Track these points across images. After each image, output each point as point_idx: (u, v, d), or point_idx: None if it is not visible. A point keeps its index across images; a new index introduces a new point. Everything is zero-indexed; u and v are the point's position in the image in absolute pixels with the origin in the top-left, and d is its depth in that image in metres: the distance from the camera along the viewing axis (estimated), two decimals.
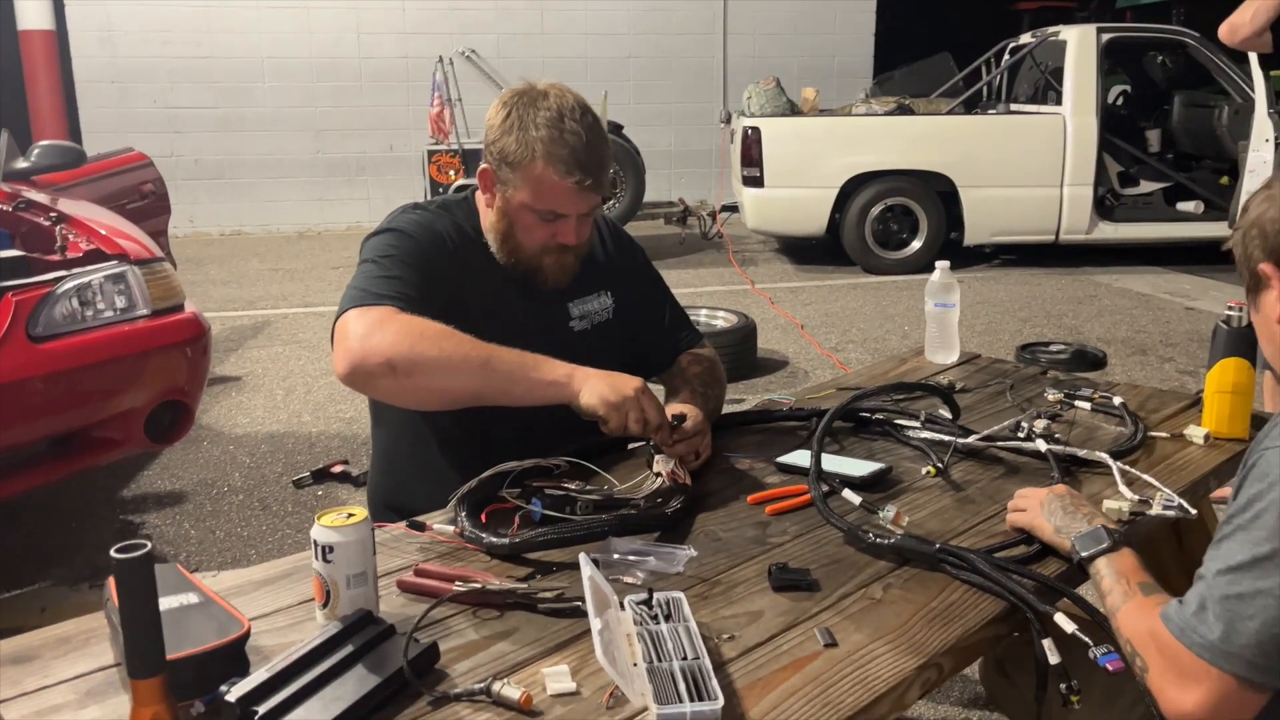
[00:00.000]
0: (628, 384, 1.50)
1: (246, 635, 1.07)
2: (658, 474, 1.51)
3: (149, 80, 9.19)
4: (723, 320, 5.15)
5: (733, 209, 8.24)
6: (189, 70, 9.27)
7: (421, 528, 1.39)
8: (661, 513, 1.40)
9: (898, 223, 7.35)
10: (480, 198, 1.71)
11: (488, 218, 1.68)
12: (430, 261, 1.60)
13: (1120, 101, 9.05)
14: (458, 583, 1.21)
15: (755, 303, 6.48)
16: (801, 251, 8.06)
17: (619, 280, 1.83)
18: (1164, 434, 1.71)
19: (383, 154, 9.81)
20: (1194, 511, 1.42)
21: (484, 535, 1.33)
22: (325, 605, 1.16)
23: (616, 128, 8.22)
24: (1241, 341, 1.63)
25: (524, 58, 9.81)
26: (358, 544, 1.15)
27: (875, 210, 7.26)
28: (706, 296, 6.57)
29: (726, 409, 1.86)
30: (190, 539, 3.28)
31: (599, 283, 1.80)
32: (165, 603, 1.10)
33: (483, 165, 1.65)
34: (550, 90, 1.61)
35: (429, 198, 7.62)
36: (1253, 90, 6.71)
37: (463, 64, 9.30)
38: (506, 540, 1.32)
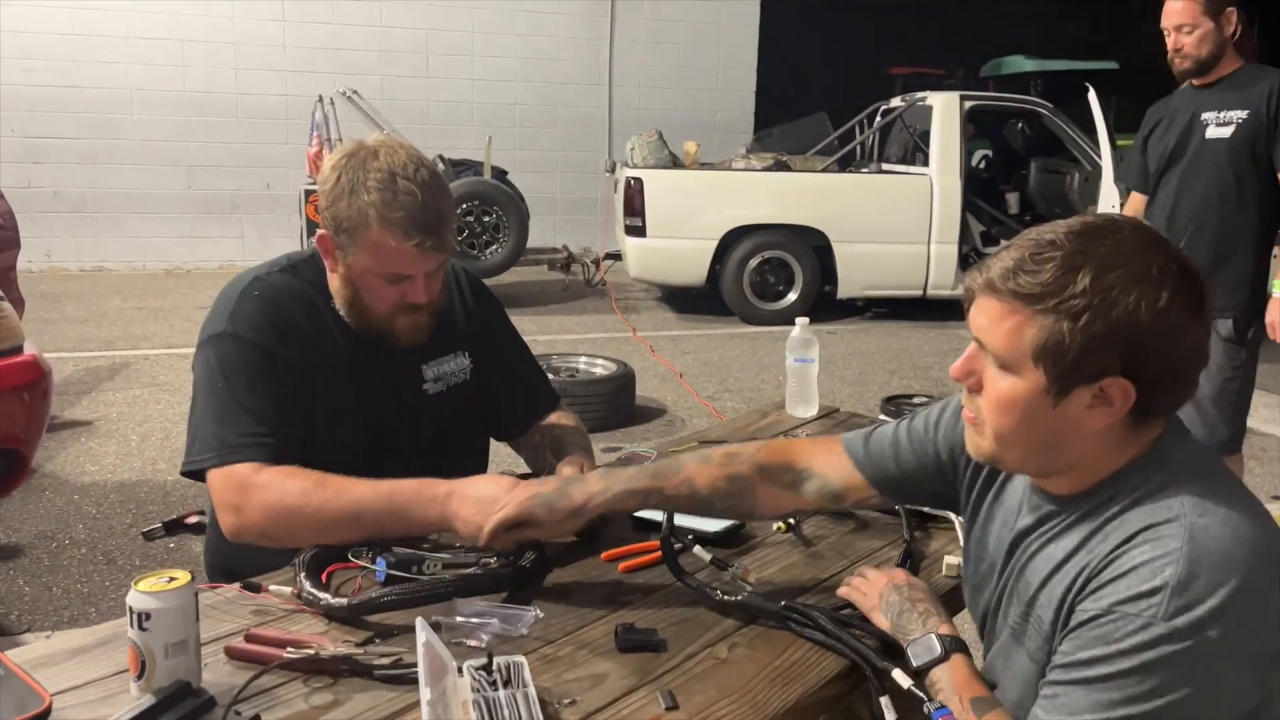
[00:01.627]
0: (494, 507, 1.40)
1: (47, 711, 1.00)
2: None
3: (8, 109, 8.74)
4: (602, 368, 5.16)
5: (616, 257, 8.32)
6: (52, 100, 8.85)
7: (256, 589, 1.33)
8: (508, 573, 1.37)
9: (774, 275, 7.54)
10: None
11: (333, 282, 1.62)
12: (280, 366, 1.55)
13: (983, 165, 9.56)
14: (289, 649, 1.16)
15: (636, 350, 6.52)
16: (683, 300, 8.18)
17: (478, 340, 1.79)
18: None
19: (259, 191, 9.55)
20: None
21: (323, 596, 1.28)
22: (140, 677, 1.09)
23: (501, 173, 8.22)
24: None
25: (408, 100, 9.75)
26: (177, 610, 1.09)
27: (753, 262, 7.44)
28: (589, 344, 6.58)
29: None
30: (24, 596, 3.06)
31: (456, 343, 1.75)
32: None
33: (320, 231, 1.58)
34: (380, 148, 1.54)
35: (302, 242, 7.45)
36: (1100, 159, 7.18)
37: (344, 104, 9.17)
38: (346, 602, 1.27)
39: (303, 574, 1.33)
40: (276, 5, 9.39)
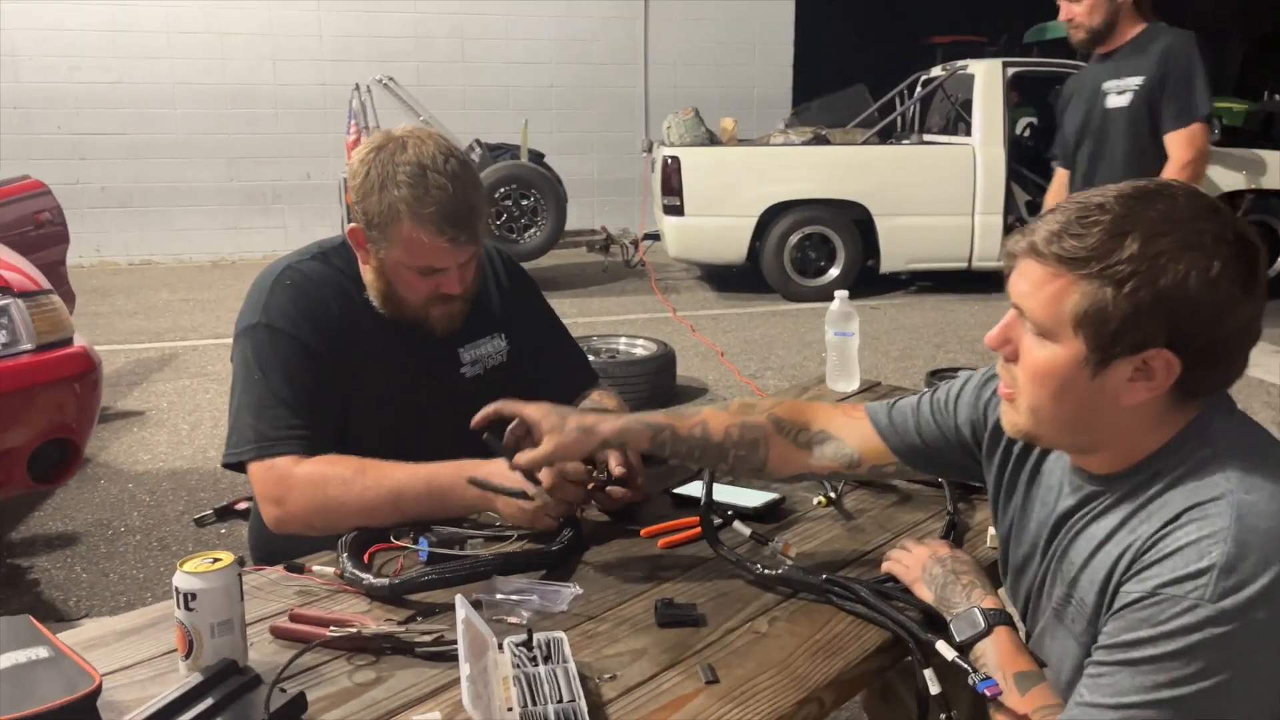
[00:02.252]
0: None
1: (97, 691, 1.02)
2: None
3: (54, 106, 8.90)
4: (642, 348, 5.16)
5: (655, 237, 8.29)
6: (96, 96, 9.00)
7: (300, 570, 1.35)
8: (547, 550, 1.37)
9: (816, 250, 7.46)
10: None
11: (366, 274, 1.62)
12: (315, 357, 1.56)
13: (1027, 133, 9.37)
14: (332, 627, 1.17)
15: (677, 330, 6.50)
16: (723, 279, 8.13)
17: (514, 322, 1.79)
18: None
19: (299, 181, 9.65)
20: None
21: (364, 577, 1.29)
22: (188, 656, 1.11)
23: (538, 156, 8.21)
24: None
25: (445, 86, 9.77)
26: (222, 590, 1.10)
27: (794, 238, 7.37)
28: (629, 324, 6.58)
29: None
30: (81, 583, 3.14)
31: (492, 325, 1.75)
32: (12, 658, 1.04)
33: (351, 224, 1.58)
34: (409, 139, 1.52)
35: (343, 230, 7.53)
36: None
37: (381, 92, 9.21)
38: (387, 582, 1.28)
39: (345, 554, 1.35)
40: None
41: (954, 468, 1.35)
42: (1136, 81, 2.93)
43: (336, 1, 9.52)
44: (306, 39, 9.48)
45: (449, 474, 1.47)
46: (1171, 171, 2.84)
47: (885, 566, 1.34)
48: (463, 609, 1.07)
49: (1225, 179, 7.21)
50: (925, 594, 1.24)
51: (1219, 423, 1.01)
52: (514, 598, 1.26)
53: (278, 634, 1.20)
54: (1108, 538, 1.02)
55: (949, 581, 1.22)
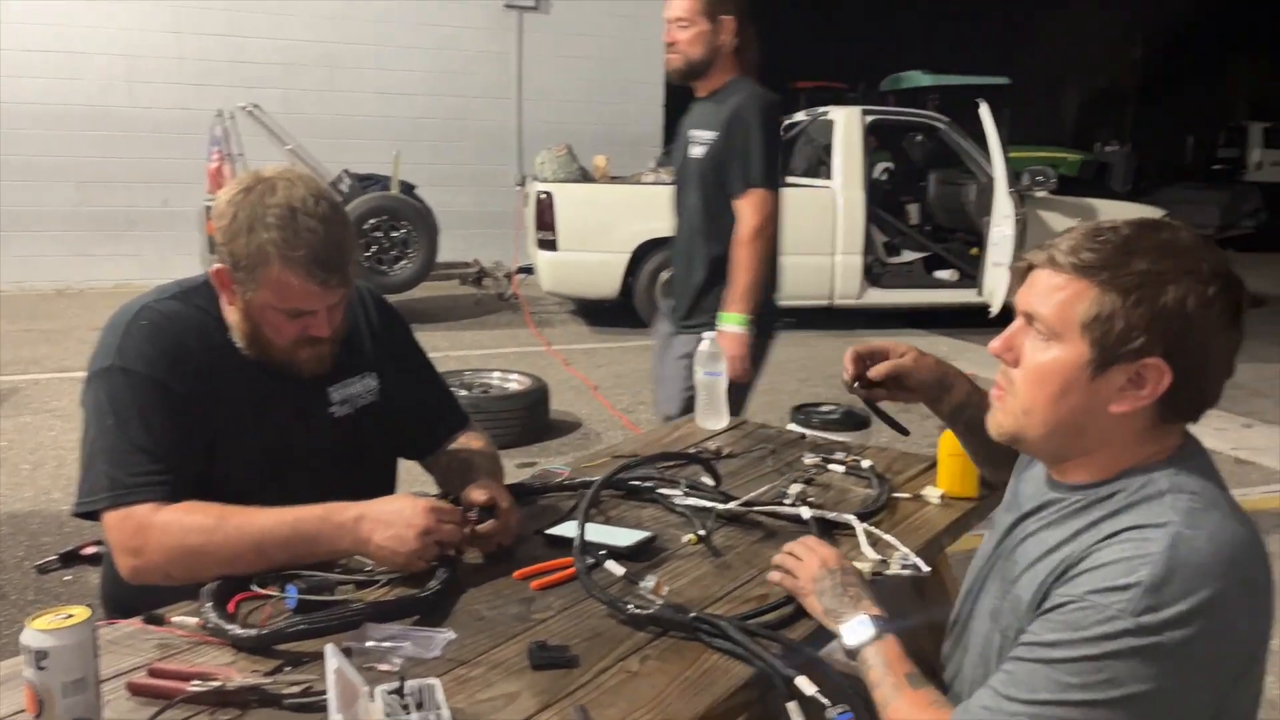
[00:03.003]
0: (407, 532, 1.42)
1: None
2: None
3: None
4: (515, 383, 5.15)
5: (528, 271, 8.30)
6: None
7: (159, 622, 1.30)
8: (420, 595, 1.37)
9: None
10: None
11: (230, 315, 1.58)
12: (174, 399, 1.51)
13: (885, 177, 9.82)
14: (194, 681, 1.14)
15: (550, 364, 6.51)
16: (596, 313, 8.19)
17: (385, 361, 1.77)
18: (906, 495, 1.84)
19: (156, 208, 9.25)
20: (927, 569, 1.53)
21: (229, 627, 1.26)
22: (39, 717, 1.06)
23: (409, 187, 8.13)
24: None
25: (313, 114, 9.56)
26: (75, 648, 1.06)
27: (665, 274, 7.49)
28: (502, 358, 6.55)
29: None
30: None
31: (363, 364, 1.73)
32: None
33: (216, 265, 1.54)
34: (279, 181, 1.50)
35: (204, 260, 7.21)
36: (993, 171, 7.45)
37: (246, 119, 8.95)
38: (254, 632, 1.25)
39: (209, 604, 1.31)
40: (170, 17, 9.14)
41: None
42: (709, 136, 2.76)
43: (198, 24, 9.23)
44: (165, 61, 9.15)
45: (315, 518, 1.44)
46: (740, 237, 2.69)
47: (773, 578, 1.42)
48: (333, 658, 1.06)
49: (1060, 225, 7.73)
50: (815, 605, 1.32)
51: (1186, 461, 1.09)
52: (386, 644, 1.25)
53: (136, 691, 1.16)
54: (1057, 545, 1.09)
55: (838, 593, 1.31)
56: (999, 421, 1.17)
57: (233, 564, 1.41)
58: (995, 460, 1.55)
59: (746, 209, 2.70)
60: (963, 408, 1.60)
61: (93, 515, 1.47)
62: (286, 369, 1.60)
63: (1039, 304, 1.10)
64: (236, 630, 1.25)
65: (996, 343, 1.15)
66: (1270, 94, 24.13)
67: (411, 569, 1.43)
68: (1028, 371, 1.12)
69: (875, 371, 1.60)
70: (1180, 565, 0.96)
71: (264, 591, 1.38)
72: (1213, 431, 5.22)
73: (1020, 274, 1.15)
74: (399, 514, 1.43)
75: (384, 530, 1.42)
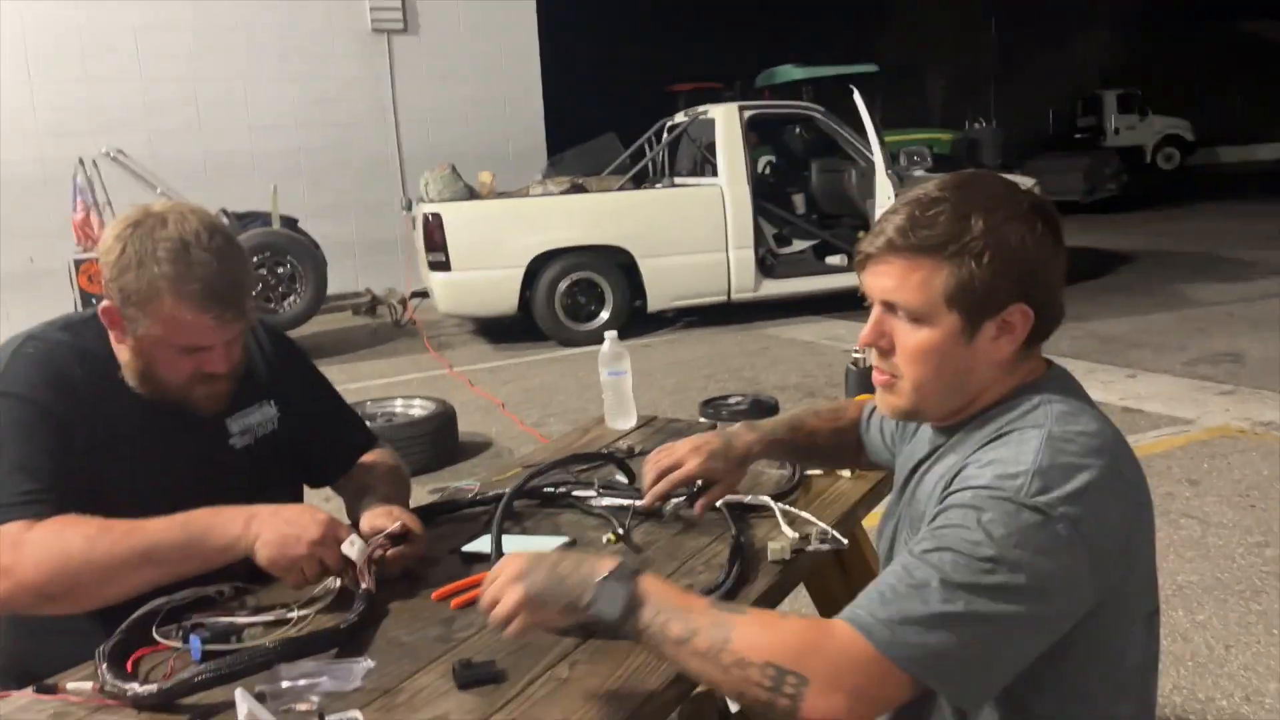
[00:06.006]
0: (301, 535, 1.38)
1: None
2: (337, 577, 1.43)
3: None
4: (419, 408, 5.05)
5: (423, 295, 8.18)
6: None
7: (53, 690, 1.22)
8: (334, 628, 1.31)
9: (585, 295, 7.61)
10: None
11: (121, 353, 1.52)
12: (57, 422, 1.43)
13: (768, 171, 10.00)
14: None
15: (455, 386, 6.42)
16: (497, 331, 8.12)
17: (282, 388, 1.72)
18: (818, 471, 1.85)
19: (21, 267, 8.80)
20: (845, 541, 1.54)
21: (129, 686, 1.18)
22: None
23: (291, 222, 7.93)
24: (868, 380, 1.80)
25: (181, 155, 9.26)
26: None
27: (563, 285, 7.48)
28: (405, 385, 6.43)
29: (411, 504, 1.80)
30: None
31: (259, 393, 1.68)
32: None
33: (104, 302, 1.48)
34: (169, 215, 1.46)
35: (76, 309, 6.90)
36: (872, 155, 7.65)
37: (110, 165, 8.60)
38: (156, 688, 1.18)
39: (105, 665, 1.23)
40: (20, 65, 8.72)
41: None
42: None
43: (49, 71, 8.83)
44: (19, 113, 8.73)
45: (205, 513, 1.40)
46: None
47: (505, 631, 1.14)
48: (244, 703, 1.01)
49: None
50: (551, 614, 1.11)
51: (1052, 382, 1.16)
52: (302, 683, 1.19)
53: None
54: (948, 469, 1.13)
55: (554, 580, 1.10)
56: (893, 404, 1.19)
57: (117, 573, 1.34)
58: (849, 454, 1.64)
59: None
60: (793, 452, 1.65)
61: None
62: (182, 406, 1.54)
63: (895, 292, 1.12)
64: (136, 689, 1.18)
65: (866, 336, 1.17)
66: (1118, 62, 25.47)
67: (291, 580, 1.40)
68: (907, 353, 1.14)
69: (659, 491, 1.52)
70: (1059, 456, 1.02)
71: (165, 643, 1.30)
72: (1099, 384, 5.46)
73: (861, 264, 1.16)
74: (295, 520, 1.40)
75: (274, 531, 1.38)
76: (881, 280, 1.12)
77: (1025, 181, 8.45)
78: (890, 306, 1.13)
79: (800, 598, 2.08)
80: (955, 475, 1.09)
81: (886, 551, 1.31)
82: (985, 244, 1.07)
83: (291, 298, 7.62)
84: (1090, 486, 1.01)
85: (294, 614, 1.39)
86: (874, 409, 1.57)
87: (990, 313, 1.10)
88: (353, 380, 6.66)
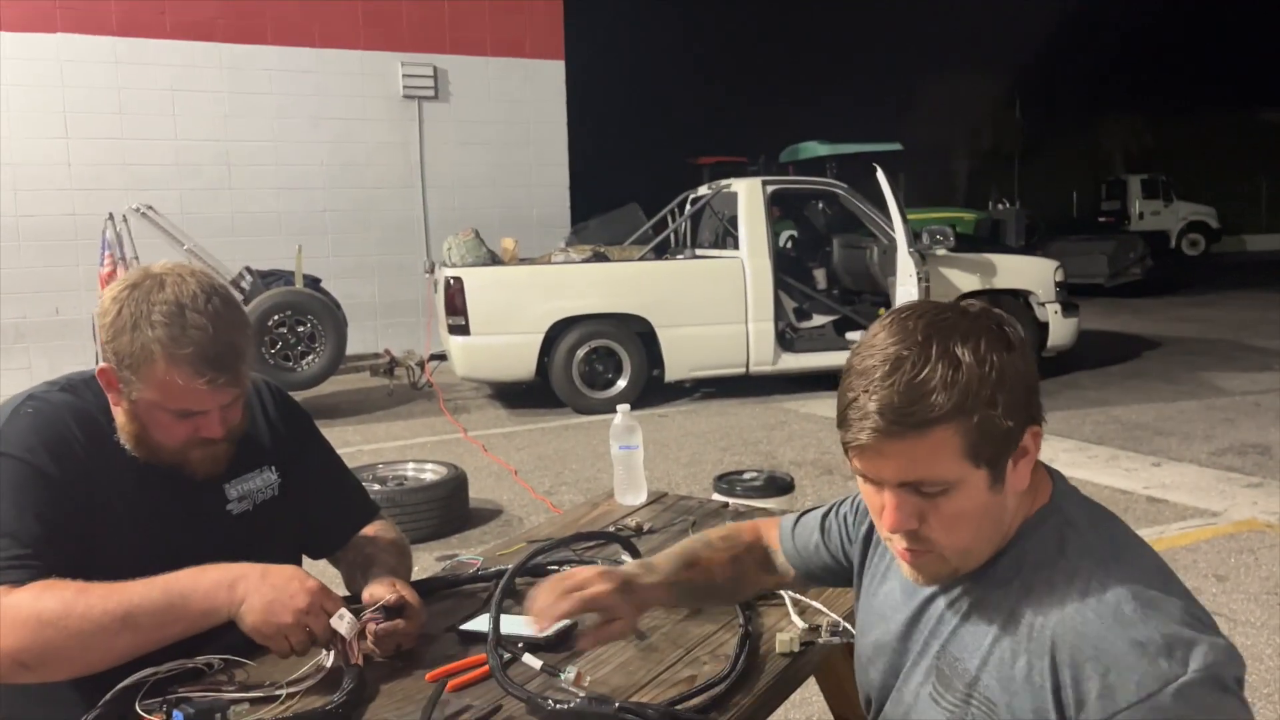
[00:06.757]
0: (288, 603, 1.34)
1: None
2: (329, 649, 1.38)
3: None
4: (431, 473, 5.01)
5: (441, 358, 8.19)
6: None
7: None
8: (321, 709, 1.26)
9: (603, 363, 7.60)
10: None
11: (118, 415, 1.49)
12: (51, 485, 1.40)
13: (790, 245, 10.05)
14: None
15: (469, 450, 6.38)
16: (513, 396, 8.10)
17: (284, 454, 1.68)
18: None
19: (47, 318, 8.91)
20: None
21: None
22: None
23: (314, 281, 7.99)
24: None
25: (210, 213, 9.41)
26: None
27: (581, 352, 7.47)
28: (418, 449, 6.40)
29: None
30: None
31: (261, 458, 1.64)
32: None
33: (101, 365, 1.46)
34: (167, 277, 1.44)
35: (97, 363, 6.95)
36: (894, 232, 7.67)
37: (139, 220, 8.75)
38: None
39: None
40: (58, 122, 8.94)
41: (831, 581, 1.44)
42: None
43: (86, 128, 9.04)
44: (54, 168, 8.92)
45: (189, 575, 1.35)
46: None
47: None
48: None
49: (962, 281, 7.98)
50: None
51: (1059, 499, 1.09)
52: None
53: None
54: (999, 636, 1.04)
55: None
56: (933, 573, 1.08)
57: (95, 639, 1.29)
58: (751, 583, 1.47)
59: None
60: (692, 594, 1.43)
61: None
62: (178, 470, 1.51)
63: (914, 471, 1.01)
64: None
65: (894, 521, 1.04)
66: (1142, 147, 25.65)
67: (275, 647, 1.35)
68: (943, 525, 1.04)
69: (562, 610, 1.30)
70: (1151, 608, 0.96)
71: (148, 719, 1.25)
72: (1123, 471, 5.36)
73: (856, 451, 1.03)
74: (282, 585, 1.35)
75: (260, 597, 1.34)
76: (891, 463, 1.01)
77: (1049, 264, 8.46)
78: (910, 485, 1.02)
79: (810, 689, 2.00)
80: (1074, 683, 0.97)
81: (885, 691, 1.19)
82: (988, 387, 0.99)
83: (310, 357, 7.65)
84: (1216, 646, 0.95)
85: (282, 691, 1.34)
86: (796, 520, 1.43)
87: (1011, 449, 1.02)
88: (367, 441, 6.64)
